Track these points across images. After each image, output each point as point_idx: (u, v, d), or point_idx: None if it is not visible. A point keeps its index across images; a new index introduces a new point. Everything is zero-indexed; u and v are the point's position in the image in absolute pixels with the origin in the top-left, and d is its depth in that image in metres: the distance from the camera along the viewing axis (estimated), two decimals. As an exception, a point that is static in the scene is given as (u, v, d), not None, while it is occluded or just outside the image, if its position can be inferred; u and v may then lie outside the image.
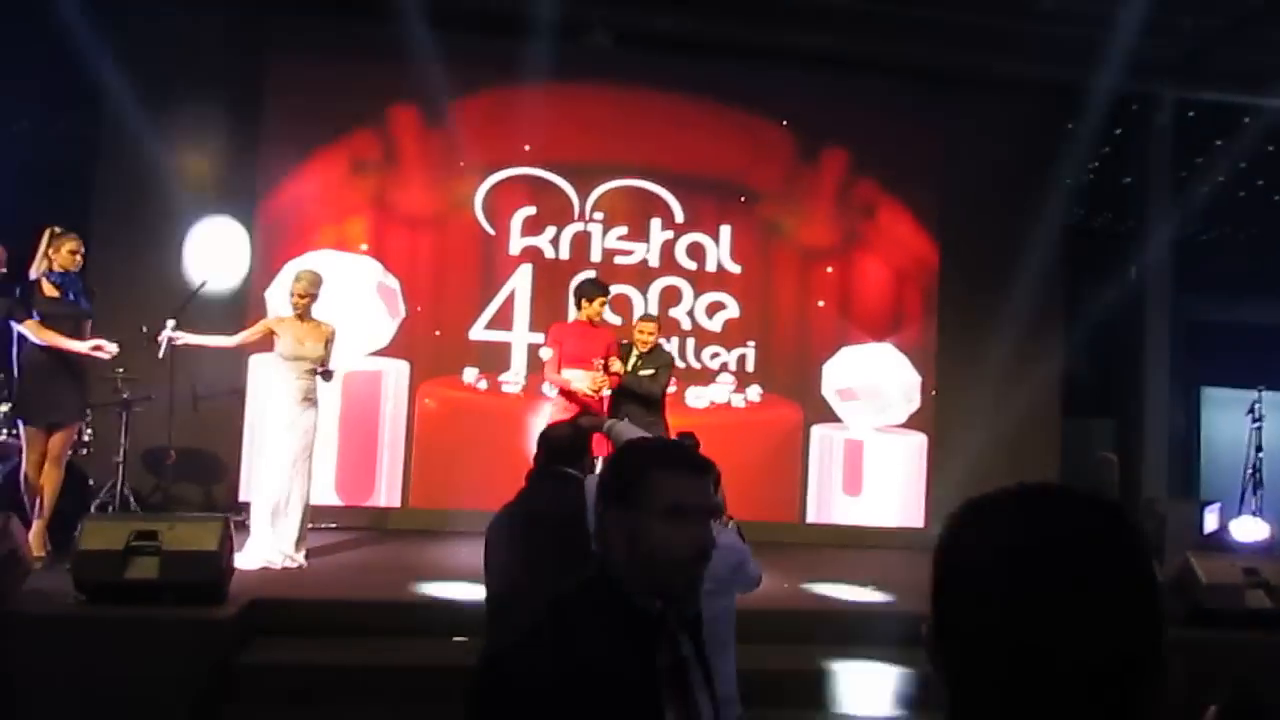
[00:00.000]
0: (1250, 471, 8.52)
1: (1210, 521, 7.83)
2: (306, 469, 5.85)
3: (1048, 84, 8.15)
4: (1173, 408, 9.58)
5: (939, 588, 0.88)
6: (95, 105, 7.49)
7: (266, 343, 6.12)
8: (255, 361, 7.66)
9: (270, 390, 6.00)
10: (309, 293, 5.89)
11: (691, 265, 8.33)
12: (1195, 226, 9.91)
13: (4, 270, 5.49)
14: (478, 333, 8.02)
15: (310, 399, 5.87)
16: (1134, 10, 7.63)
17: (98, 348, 5.54)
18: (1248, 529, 7.84)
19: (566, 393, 6.04)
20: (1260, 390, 8.75)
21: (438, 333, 8.00)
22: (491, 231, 8.10)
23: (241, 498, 7.52)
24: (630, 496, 1.56)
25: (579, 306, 6.26)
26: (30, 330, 5.41)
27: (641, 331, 6.30)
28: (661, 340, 6.49)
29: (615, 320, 7.42)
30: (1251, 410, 8.64)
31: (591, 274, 7.87)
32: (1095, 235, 9.91)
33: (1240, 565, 5.32)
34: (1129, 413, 9.40)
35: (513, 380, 8.01)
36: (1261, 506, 8.35)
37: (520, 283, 8.10)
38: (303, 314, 5.89)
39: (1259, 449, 8.59)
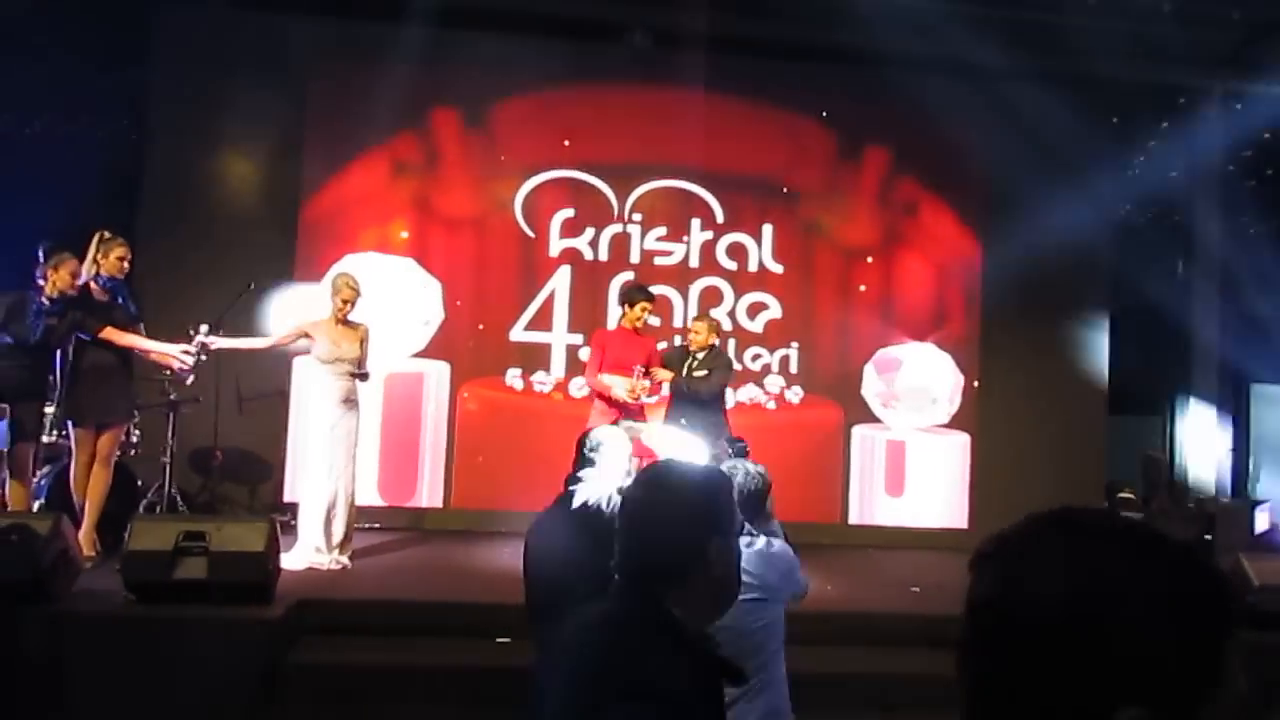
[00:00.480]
0: (1303, 470, 8.34)
1: (1261, 521, 7.68)
2: (351, 471, 5.90)
3: (1092, 78, 8.02)
4: (1222, 405, 9.41)
5: (990, 635, 0.85)
6: (139, 109, 7.63)
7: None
8: (300, 363, 7.74)
9: (311, 394, 6.04)
10: (352, 299, 5.93)
11: (732, 265, 8.30)
12: (1244, 220, 9.72)
13: (80, 282, 5.57)
14: (517, 334, 8.05)
15: (351, 400, 5.91)
16: (1181, 2, 7.52)
17: (185, 353, 5.63)
18: (1301, 529, 7.67)
19: (605, 398, 6.03)
20: (1313, 388, 8.57)
21: (480, 327, 8.02)
22: (531, 234, 8.13)
23: (286, 498, 7.62)
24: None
25: (623, 312, 6.27)
26: (113, 336, 5.51)
27: (696, 332, 6.28)
28: (715, 341, 6.41)
29: (655, 322, 7.38)
30: (1304, 408, 8.46)
31: (631, 276, 7.91)
32: (1142, 230, 9.75)
33: (1291, 566, 5.20)
34: (1177, 411, 9.25)
35: (548, 381, 8.03)
36: (1315, 506, 8.16)
37: (560, 284, 8.12)
38: (340, 317, 5.94)
39: (1312, 447, 8.41)
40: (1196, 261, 9.23)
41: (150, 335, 5.76)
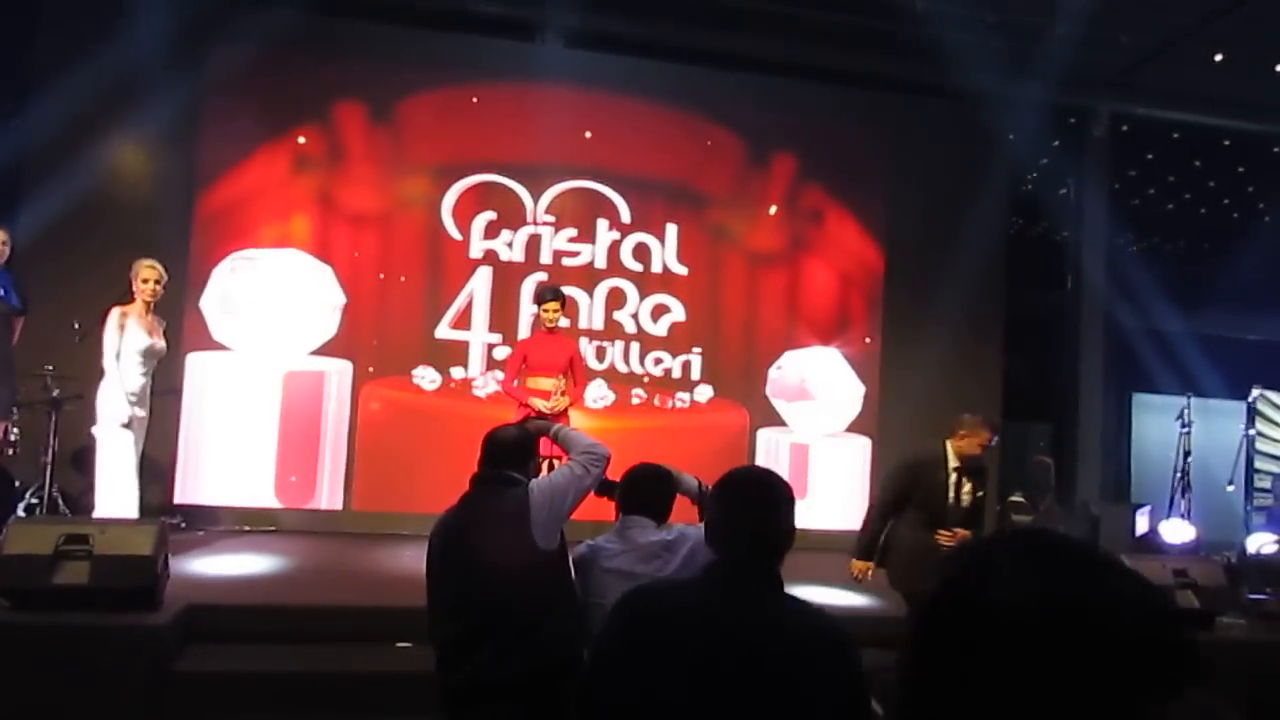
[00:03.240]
0: (1179, 475, 8.76)
1: (1141, 524, 8.04)
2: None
3: (990, 95, 8.30)
4: (1106, 413, 9.82)
5: (959, 638, 0.85)
6: (26, 96, 7.27)
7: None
8: (193, 360, 7.50)
9: (108, 391, 5.55)
10: (161, 280, 5.66)
11: (638, 267, 8.33)
12: (1127, 237, 10.18)
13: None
14: (442, 332, 7.94)
15: (146, 397, 5.71)
16: (1072, 26, 7.84)
17: None
18: (1177, 531, 8.06)
19: (524, 406, 6.12)
20: (1189, 397, 9.00)
21: (375, 341, 7.87)
22: (456, 235, 8.02)
23: (177, 500, 7.37)
24: None
25: (534, 312, 6.40)
26: None
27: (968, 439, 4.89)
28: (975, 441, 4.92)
29: (564, 323, 7.34)
30: (1180, 416, 8.89)
31: (544, 276, 7.89)
32: (1033, 244, 10.13)
33: (1170, 566, 5.44)
34: (1065, 417, 9.62)
35: (478, 379, 7.94)
36: (1190, 509, 8.59)
37: (477, 284, 8.03)
38: (149, 303, 5.66)
39: (1187, 454, 8.83)
40: (1084, 275, 9.62)
41: (35, 331, 5.51)
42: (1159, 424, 9.72)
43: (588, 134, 8.21)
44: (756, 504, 2.04)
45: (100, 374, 5.53)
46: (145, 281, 5.61)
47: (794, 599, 1.99)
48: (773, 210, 8.58)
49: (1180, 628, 0.84)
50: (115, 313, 5.54)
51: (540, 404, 6.08)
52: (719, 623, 1.85)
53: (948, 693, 0.83)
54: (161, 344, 5.70)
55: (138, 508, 5.56)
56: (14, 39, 7.34)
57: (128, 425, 5.49)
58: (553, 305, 6.26)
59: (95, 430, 5.51)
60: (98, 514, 5.44)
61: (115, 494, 5.45)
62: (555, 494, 2.95)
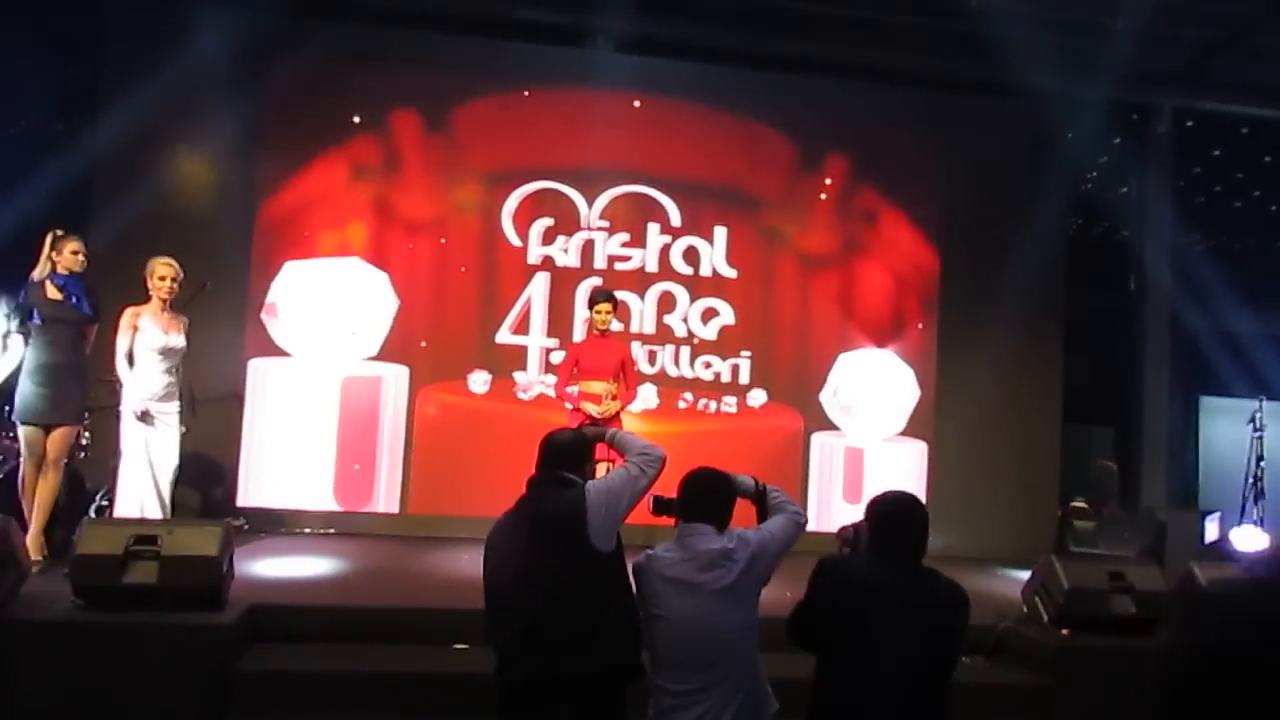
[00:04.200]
0: (1251, 481, 8.53)
1: (1211, 531, 7.84)
2: (172, 471, 5.81)
3: (1048, 92, 8.16)
4: (1171, 416, 9.59)
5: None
6: (94, 109, 7.48)
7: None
8: (254, 366, 7.66)
9: (132, 389, 5.63)
10: (176, 278, 5.71)
11: (688, 270, 8.32)
12: (1193, 236, 9.94)
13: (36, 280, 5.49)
14: (502, 336, 8.03)
15: (173, 395, 5.78)
16: (1134, 20, 7.67)
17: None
18: (1250, 539, 7.84)
19: (575, 410, 6.16)
20: (1261, 400, 8.76)
21: (423, 344, 7.95)
22: (515, 242, 8.09)
23: (240, 503, 7.52)
24: None
25: (588, 315, 6.50)
26: None
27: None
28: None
29: (617, 326, 7.35)
30: (1252, 420, 8.66)
31: (599, 281, 7.92)
32: (1095, 244, 9.93)
33: (1243, 574, 5.29)
34: (1128, 421, 9.41)
35: (524, 385, 8.00)
36: (1264, 516, 8.35)
37: (535, 290, 8.10)
38: (164, 301, 5.72)
39: (1260, 459, 8.60)
40: (1147, 275, 9.41)
41: (106, 338, 5.67)
42: (1229, 428, 9.47)
43: (637, 139, 8.22)
44: (908, 526, 2.96)
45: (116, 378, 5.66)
46: (162, 279, 5.68)
47: (933, 571, 2.89)
48: (822, 197, 8.49)
49: None
50: (127, 313, 5.64)
51: (591, 408, 6.09)
52: (892, 588, 2.78)
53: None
54: (181, 341, 5.75)
55: (159, 506, 5.66)
56: (85, 56, 7.56)
57: (142, 419, 5.59)
58: (605, 308, 6.30)
59: (121, 434, 5.65)
60: (118, 513, 5.58)
61: (131, 493, 5.56)
62: (611, 496, 2.96)
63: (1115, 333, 9.68)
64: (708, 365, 8.28)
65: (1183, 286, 9.33)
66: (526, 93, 8.12)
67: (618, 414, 6.21)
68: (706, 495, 3.11)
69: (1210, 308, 9.43)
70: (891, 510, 2.98)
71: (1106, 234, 10.11)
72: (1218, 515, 8.02)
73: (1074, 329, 8.91)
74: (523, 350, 8.06)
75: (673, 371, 8.23)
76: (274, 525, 7.49)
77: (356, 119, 7.87)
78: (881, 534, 2.93)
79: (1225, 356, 9.63)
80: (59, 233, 5.60)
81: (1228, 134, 9.68)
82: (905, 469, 8.45)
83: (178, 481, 5.88)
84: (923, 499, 8.92)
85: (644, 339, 8.18)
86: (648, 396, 8.11)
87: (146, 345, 5.63)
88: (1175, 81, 9.09)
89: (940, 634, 2.79)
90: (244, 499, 7.59)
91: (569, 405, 6.26)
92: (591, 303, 6.43)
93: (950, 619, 2.82)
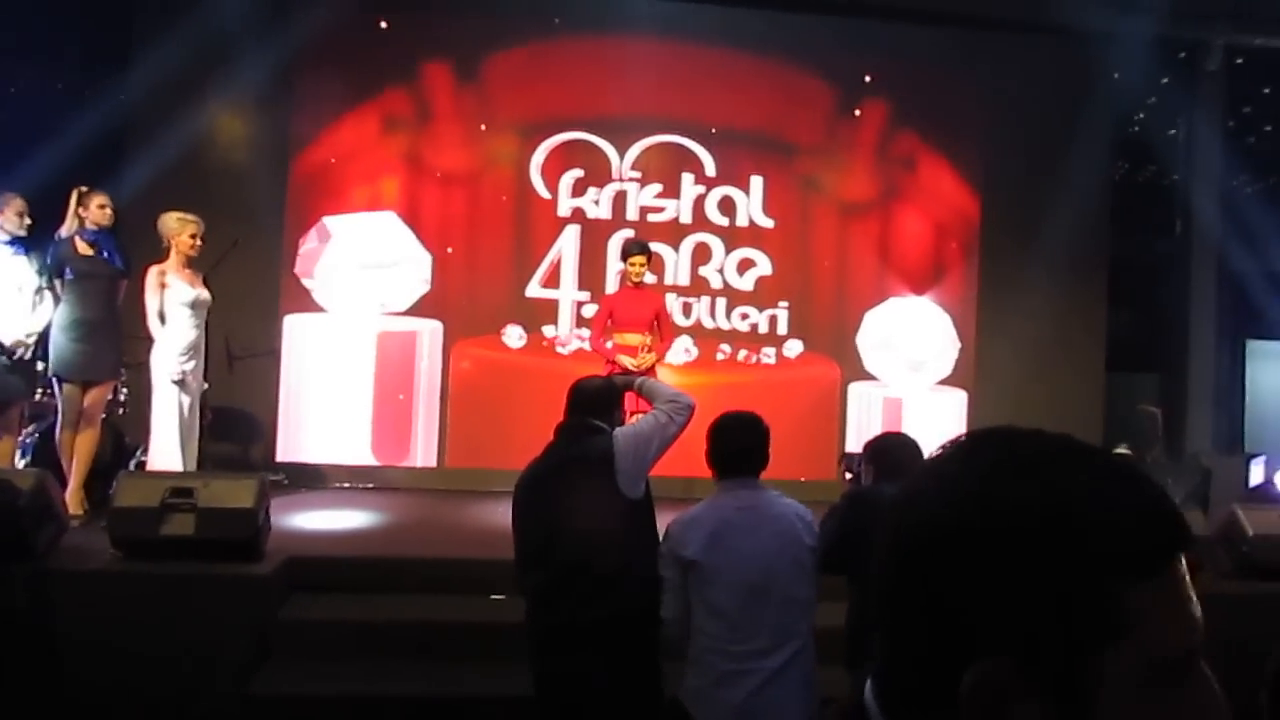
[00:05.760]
0: (1299, 426, 8.33)
1: (1256, 474, 7.67)
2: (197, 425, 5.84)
3: (1092, 32, 7.89)
4: (1218, 361, 9.36)
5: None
6: (124, 65, 7.47)
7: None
8: (290, 322, 7.69)
9: (164, 344, 5.63)
10: (201, 234, 5.69)
11: (724, 221, 8.21)
12: (1243, 177, 9.64)
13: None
14: (533, 290, 7.97)
15: (200, 348, 5.79)
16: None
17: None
18: (1295, 482, 7.67)
19: (611, 363, 6.10)
20: (1310, 343, 8.54)
21: (466, 300, 7.93)
22: (544, 194, 8.02)
23: (279, 458, 7.58)
24: None
25: (621, 267, 6.42)
26: None
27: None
28: None
29: (651, 279, 7.27)
30: (1300, 363, 8.44)
31: (631, 233, 7.84)
32: (1141, 188, 9.67)
33: (1287, 516, 5.20)
34: (1174, 366, 9.21)
35: (564, 339, 7.97)
36: (1311, 461, 8.16)
37: (565, 243, 8.03)
38: (190, 255, 5.70)
39: (1309, 403, 8.39)
40: (1194, 218, 9.14)
41: (134, 290, 5.69)
42: (1277, 371, 9.25)
43: (671, 87, 8.08)
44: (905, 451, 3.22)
45: (149, 336, 5.66)
46: (191, 236, 5.65)
47: None
48: (857, 113, 8.31)
49: None
50: (153, 271, 5.62)
51: (627, 360, 6.04)
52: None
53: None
54: (206, 294, 5.75)
55: (196, 463, 5.71)
56: (115, 10, 7.55)
57: (179, 382, 5.60)
58: (639, 259, 6.23)
59: (153, 390, 5.65)
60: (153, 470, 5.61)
61: (165, 451, 5.57)
62: (640, 442, 2.92)
63: (1161, 278, 9.45)
64: (745, 317, 8.20)
65: (1231, 229, 9.06)
66: (557, 46, 7.99)
67: (653, 367, 6.16)
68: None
69: (1259, 250, 9.16)
70: (892, 443, 3.36)
71: (1154, 178, 9.84)
72: (1263, 458, 7.84)
73: (1119, 275, 8.70)
74: (554, 304, 8.02)
75: (709, 323, 8.15)
76: (313, 480, 7.55)
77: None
78: (888, 464, 3.20)
79: (1273, 299, 9.38)
80: (84, 189, 5.62)
81: (1279, 71, 9.34)
82: (945, 418, 8.34)
83: (212, 437, 5.92)
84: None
85: (679, 290, 8.09)
86: (687, 348, 8.05)
87: (177, 301, 5.63)
88: (1225, 17, 8.75)
89: None
90: (283, 454, 7.65)
91: (605, 358, 6.21)
92: (626, 254, 6.36)
93: None
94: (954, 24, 8.36)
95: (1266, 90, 9.60)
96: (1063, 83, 8.47)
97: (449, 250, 7.91)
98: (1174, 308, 9.25)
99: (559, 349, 7.96)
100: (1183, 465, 7.84)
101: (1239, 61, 9.11)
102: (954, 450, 0.72)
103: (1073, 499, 0.65)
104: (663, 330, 6.35)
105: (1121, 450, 7.91)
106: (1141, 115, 9.38)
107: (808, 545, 2.89)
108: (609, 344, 6.22)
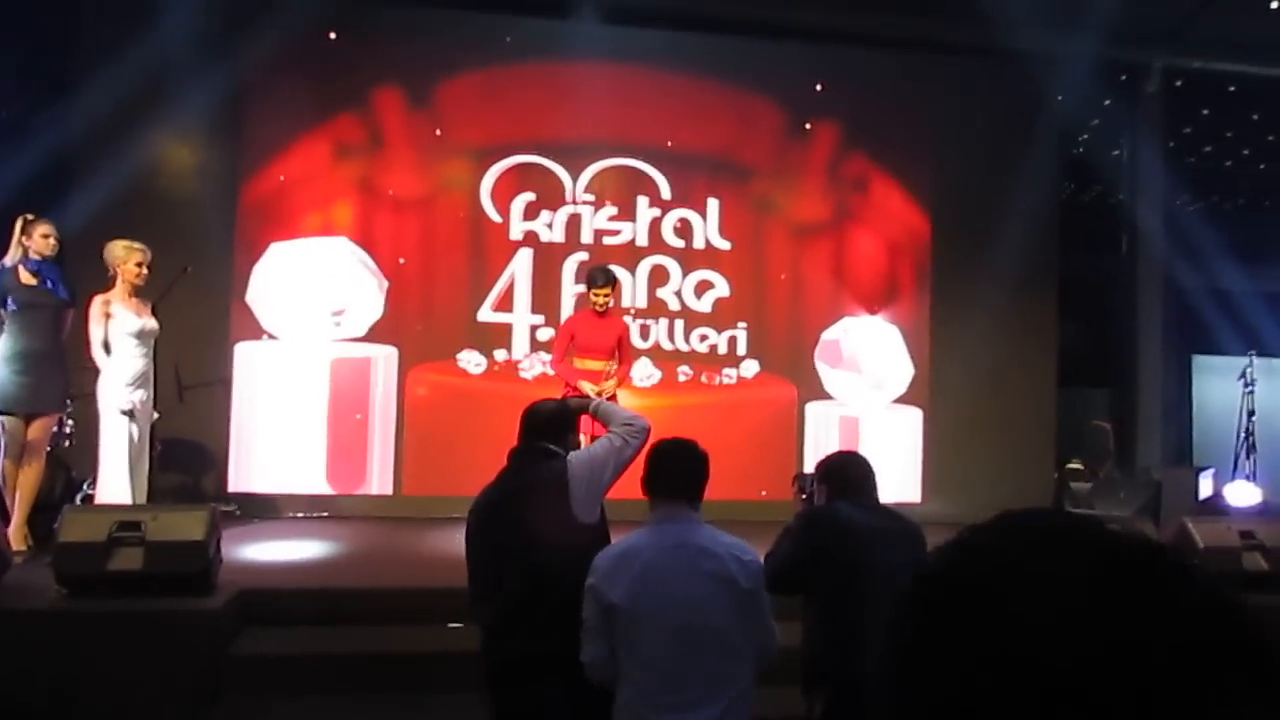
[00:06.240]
0: (1243, 436, 8.52)
1: (1205, 487, 7.82)
2: (146, 458, 5.71)
3: (1037, 54, 8.06)
4: (1165, 376, 9.56)
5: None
6: (69, 93, 7.35)
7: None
8: (240, 350, 7.57)
9: (109, 377, 5.51)
10: (147, 262, 5.59)
11: (679, 243, 8.24)
12: (1184, 196, 9.87)
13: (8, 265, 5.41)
14: (485, 315, 7.92)
15: (149, 378, 5.68)
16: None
17: None
18: (1242, 493, 7.84)
19: (572, 388, 6.03)
20: (1251, 356, 8.74)
21: (420, 326, 7.87)
22: (495, 218, 7.98)
23: (231, 489, 7.45)
24: None
25: (585, 293, 6.34)
26: None
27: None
28: None
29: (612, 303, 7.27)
30: (1243, 376, 8.64)
31: (585, 257, 7.82)
32: (1087, 207, 9.86)
33: (1236, 529, 5.31)
34: (1123, 382, 9.38)
35: (525, 365, 7.92)
36: (1255, 471, 8.34)
37: (519, 266, 7.99)
38: (136, 285, 5.60)
39: (1251, 414, 8.59)
40: (1140, 236, 9.34)
41: (79, 321, 5.58)
42: (1222, 386, 9.46)
43: (625, 111, 8.12)
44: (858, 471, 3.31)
45: (95, 367, 5.53)
46: (138, 264, 5.54)
47: (890, 509, 3.28)
48: (808, 129, 8.37)
49: None
50: (97, 301, 5.51)
51: (589, 387, 5.96)
52: (870, 523, 3.09)
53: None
54: (154, 323, 5.65)
55: (143, 494, 5.59)
56: (57, 34, 7.44)
57: (128, 413, 5.49)
58: (604, 291, 6.11)
59: (101, 421, 5.52)
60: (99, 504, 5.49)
61: (114, 484, 5.44)
62: (595, 466, 2.90)
63: (1109, 295, 9.64)
64: (704, 338, 8.21)
65: (1175, 246, 9.27)
66: (510, 72, 7.99)
67: (615, 394, 6.11)
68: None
69: (1202, 267, 9.39)
70: (844, 461, 3.40)
71: (1100, 197, 10.05)
72: (1211, 472, 8.01)
73: (1068, 292, 8.85)
74: (509, 328, 7.98)
75: (667, 345, 8.15)
76: (267, 510, 7.42)
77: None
78: (840, 482, 3.25)
79: (1217, 315, 9.60)
80: (29, 217, 5.51)
81: (1216, 93, 9.60)
82: (900, 436, 8.41)
83: (162, 469, 5.80)
84: (919, 465, 8.94)
85: (637, 313, 8.09)
86: (650, 371, 8.04)
87: (123, 330, 5.52)
88: (1164, 39, 8.99)
89: (918, 561, 2.92)
90: (235, 485, 7.52)
91: (566, 382, 6.15)
92: (591, 283, 6.20)
93: (922, 545, 3.07)
94: (903, 48, 8.50)
95: (1205, 111, 9.86)
96: (1010, 104, 8.64)
97: (402, 270, 7.85)
98: (1123, 324, 9.43)
99: (521, 373, 7.91)
100: (1134, 479, 7.98)
101: (1178, 84, 9.36)
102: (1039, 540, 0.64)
103: None
104: (624, 355, 6.32)
105: (1074, 465, 8.03)
106: (1086, 136, 9.59)
107: (745, 589, 2.63)
108: (569, 364, 6.17)
